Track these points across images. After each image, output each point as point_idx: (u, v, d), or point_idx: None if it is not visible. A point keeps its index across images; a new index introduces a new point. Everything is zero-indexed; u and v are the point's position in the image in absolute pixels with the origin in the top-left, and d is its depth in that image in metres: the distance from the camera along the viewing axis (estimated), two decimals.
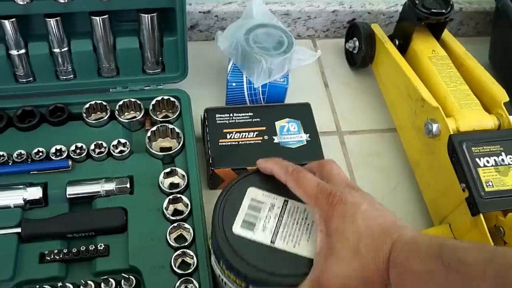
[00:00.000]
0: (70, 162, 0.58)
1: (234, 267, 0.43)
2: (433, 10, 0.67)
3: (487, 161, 0.56)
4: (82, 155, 0.59)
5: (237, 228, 0.45)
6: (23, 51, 0.62)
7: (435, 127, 0.59)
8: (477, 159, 0.56)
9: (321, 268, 0.41)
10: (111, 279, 0.51)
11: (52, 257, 0.52)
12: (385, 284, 0.40)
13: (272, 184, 0.48)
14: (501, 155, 0.56)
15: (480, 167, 0.55)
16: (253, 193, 0.47)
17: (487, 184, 0.54)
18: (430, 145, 0.61)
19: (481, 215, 0.53)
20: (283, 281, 0.42)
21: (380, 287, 0.40)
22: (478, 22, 0.87)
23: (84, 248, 0.53)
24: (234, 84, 0.67)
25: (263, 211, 0.46)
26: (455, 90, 0.63)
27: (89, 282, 0.50)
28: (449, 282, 0.36)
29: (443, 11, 0.67)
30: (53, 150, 0.59)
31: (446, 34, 0.72)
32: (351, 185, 0.45)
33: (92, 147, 0.60)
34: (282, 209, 0.47)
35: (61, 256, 0.52)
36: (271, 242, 0.45)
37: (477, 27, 0.88)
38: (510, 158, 0.56)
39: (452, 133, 0.57)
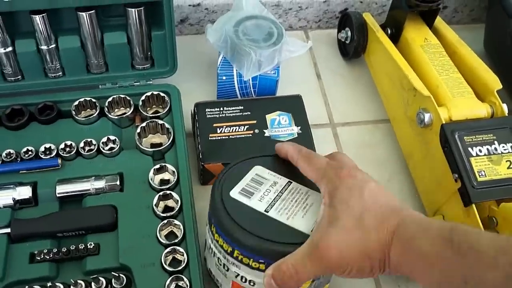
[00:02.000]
0: (59, 161, 0.58)
1: (224, 227, 0.44)
2: None
3: (480, 150, 0.55)
4: (72, 153, 0.59)
5: (235, 193, 0.46)
6: (10, 49, 0.61)
7: (427, 116, 0.58)
8: (469, 149, 0.55)
9: (320, 235, 0.40)
10: (101, 278, 0.50)
11: (42, 257, 0.52)
12: (384, 260, 0.39)
13: (280, 167, 0.49)
14: (494, 144, 0.56)
15: (473, 156, 0.55)
16: (259, 170, 0.48)
17: (480, 174, 0.54)
18: (423, 135, 0.61)
19: (474, 206, 0.53)
20: (270, 247, 0.42)
21: (379, 263, 0.39)
22: (472, 9, 0.86)
23: (74, 247, 0.52)
24: (224, 77, 0.66)
25: (265, 185, 0.47)
26: (448, 78, 0.62)
27: (79, 281, 0.50)
28: (457, 266, 0.35)
29: None
30: (42, 148, 0.59)
31: (439, 22, 0.71)
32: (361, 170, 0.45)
33: (82, 144, 0.60)
34: (284, 187, 0.47)
35: (51, 255, 0.52)
36: (265, 210, 0.45)
37: (471, 14, 0.87)
38: (503, 146, 0.55)
39: (444, 122, 0.57)
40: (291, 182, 0.47)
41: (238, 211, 0.44)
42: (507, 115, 0.58)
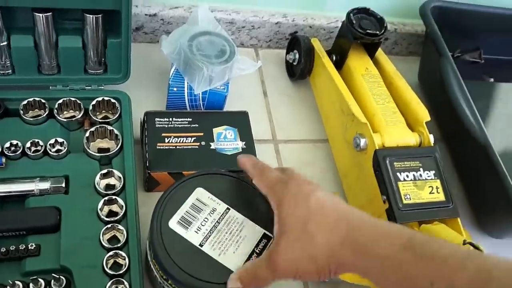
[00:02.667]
0: (3, 160, 0.58)
1: (160, 261, 0.46)
2: (368, 31, 0.71)
3: (407, 176, 0.60)
4: (17, 153, 0.59)
5: (173, 223, 0.48)
6: None
7: (362, 141, 0.63)
8: (398, 174, 0.60)
9: (273, 245, 0.44)
10: (40, 279, 0.51)
11: None
12: (338, 263, 0.41)
13: (222, 189, 0.51)
14: (419, 170, 0.61)
15: (400, 181, 0.60)
16: (200, 194, 0.50)
17: (405, 197, 0.59)
18: (358, 158, 0.65)
19: None
20: (200, 286, 0.45)
21: (328, 266, 0.42)
22: (410, 43, 0.93)
23: (14, 247, 0.52)
24: (175, 88, 0.68)
25: (203, 213, 0.49)
26: (383, 107, 0.67)
27: (17, 282, 0.50)
28: (421, 269, 0.37)
29: (377, 32, 0.72)
30: None
31: (380, 53, 0.77)
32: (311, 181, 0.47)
33: (28, 145, 0.60)
34: (221, 216, 0.50)
35: None
36: (199, 244, 0.47)
37: (409, 47, 0.94)
38: (427, 173, 0.61)
39: (377, 148, 0.62)
40: (229, 209, 0.50)
41: (174, 244, 0.47)
42: (432, 145, 0.64)
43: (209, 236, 0.48)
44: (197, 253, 0.47)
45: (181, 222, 0.48)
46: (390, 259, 0.39)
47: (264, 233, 0.49)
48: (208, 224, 0.49)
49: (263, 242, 0.49)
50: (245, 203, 0.51)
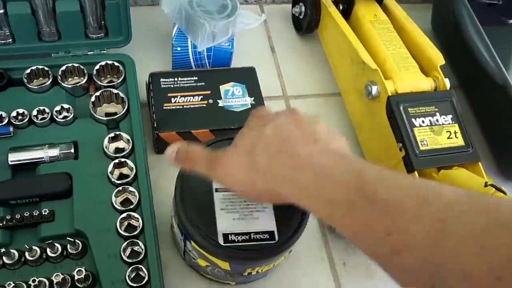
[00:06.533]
0: (11, 129, 0.57)
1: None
2: None
3: (423, 121, 0.59)
4: (24, 121, 0.58)
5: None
6: None
7: (374, 89, 0.61)
8: (413, 119, 0.58)
9: (220, 151, 0.43)
10: (56, 244, 0.51)
11: None
12: (275, 194, 0.40)
13: None
14: (436, 115, 0.59)
15: (416, 127, 0.58)
16: None
17: (422, 143, 0.57)
18: (371, 107, 0.64)
19: (416, 173, 0.56)
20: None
21: (269, 194, 0.42)
22: None
23: (28, 214, 0.52)
24: (179, 48, 0.67)
25: None
26: (395, 53, 0.65)
27: (34, 247, 0.50)
28: (375, 218, 0.33)
29: None
30: None
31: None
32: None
33: (35, 113, 0.59)
34: None
35: (4, 223, 0.52)
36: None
37: None
38: (444, 118, 0.59)
39: (390, 94, 0.60)
40: None
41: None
42: (448, 89, 0.62)
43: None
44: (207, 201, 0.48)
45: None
46: (341, 205, 0.35)
47: (272, 231, 0.47)
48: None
49: (263, 235, 0.47)
50: None
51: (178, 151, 0.45)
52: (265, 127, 0.41)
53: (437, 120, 0.59)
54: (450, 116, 0.59)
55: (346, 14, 0.73)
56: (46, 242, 0.50)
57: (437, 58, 0.64)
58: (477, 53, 0.66)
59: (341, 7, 0.73)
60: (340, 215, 0.36)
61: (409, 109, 0.59)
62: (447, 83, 0.62)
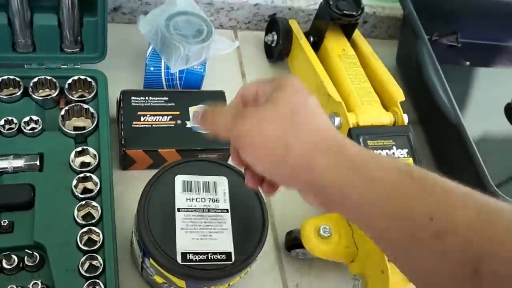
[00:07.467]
0: None
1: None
2: (344, 12, 0.72)
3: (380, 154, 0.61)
4: None
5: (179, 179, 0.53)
6: None
7: (337, 120, 0.64)
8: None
9: (251, 108, 0.40)
10: (13, 256, 0.51)
11: None
12: (311, 173, 0.36)
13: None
14: (393, 148, 0.62)
15: None
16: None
17: None
18: None
19: None
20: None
21: (304, 177, 0.37)
22: (389, 26, 0.94)
23: None
24: (152, 68, 0.68)
25: (206, 194, 0.53)
26: (359, 87, 0.68)
27: None
28: (419, 200, 0.32)
29: (354, 13, 0.72)
30: None
31: (357, 35, 0.77)
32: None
33: (2, 122, 0.59)
34: (216, 209, 0.52)
35: None
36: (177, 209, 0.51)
37: (388, 30, 0.95)
38: (400, 152, 0.62)
39: (351, 126, 0.62)
40: (228, 211, 0.53)
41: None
42: (406, 124, 0.65)
43: (192, 209, 0.51)
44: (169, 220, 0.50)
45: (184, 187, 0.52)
46: (384, 182, 0.33)
47: (229, 252, 0.49)
48: (201, 203, 0.52)
49: (220, 256, 0.49)
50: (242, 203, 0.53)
51: (204, 112, 0.42)
52: (309, 95, 0.39)
53: (393, 153, 0.62)
54: (405, 150, 0.63)
55: (316, 46, 0.76)
56: (3, 253, 0.50)
57: (398, 94, 0.67)
58: (434, 92, 0.70)
59: (311, 39, 0.77)
60: (378, 196, 0.34)
61: (368, 141, 0.62)
62: (405, 118, 0.65)
